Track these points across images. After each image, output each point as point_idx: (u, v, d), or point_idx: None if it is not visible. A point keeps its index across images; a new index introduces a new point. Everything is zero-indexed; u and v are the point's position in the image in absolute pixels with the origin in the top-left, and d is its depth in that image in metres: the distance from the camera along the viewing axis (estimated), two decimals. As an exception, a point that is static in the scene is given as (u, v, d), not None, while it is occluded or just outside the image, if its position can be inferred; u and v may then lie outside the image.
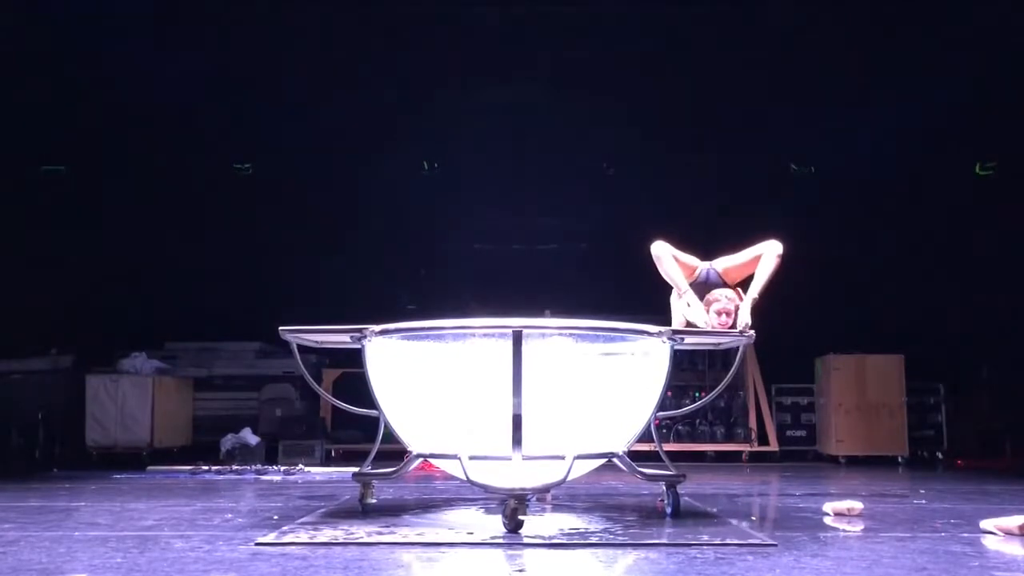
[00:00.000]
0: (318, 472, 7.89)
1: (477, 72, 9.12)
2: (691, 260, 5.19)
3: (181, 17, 8.38)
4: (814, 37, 8.58)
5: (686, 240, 5.32)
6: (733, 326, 4.90)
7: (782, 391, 10.16)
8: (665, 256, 5.07)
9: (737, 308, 4.96)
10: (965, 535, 3.90)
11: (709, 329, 4.93)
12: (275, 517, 4.45)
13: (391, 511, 4.62)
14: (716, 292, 5.03)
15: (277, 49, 8.81)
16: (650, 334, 4.36)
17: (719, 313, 4.95)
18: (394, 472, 4.43)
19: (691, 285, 5.09)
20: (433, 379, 4.39)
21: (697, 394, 9.54)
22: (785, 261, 4.97)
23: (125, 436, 9.09)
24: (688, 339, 4.69)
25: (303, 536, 3.74)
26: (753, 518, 4.66)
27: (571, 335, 4.38)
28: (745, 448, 9.72)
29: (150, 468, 8.30)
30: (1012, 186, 9.84)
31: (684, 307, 5.07)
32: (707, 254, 5.23)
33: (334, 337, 4.63)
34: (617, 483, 6.36)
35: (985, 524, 3.98)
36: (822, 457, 9.83)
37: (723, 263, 5.20)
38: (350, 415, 5.22)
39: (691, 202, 10.04)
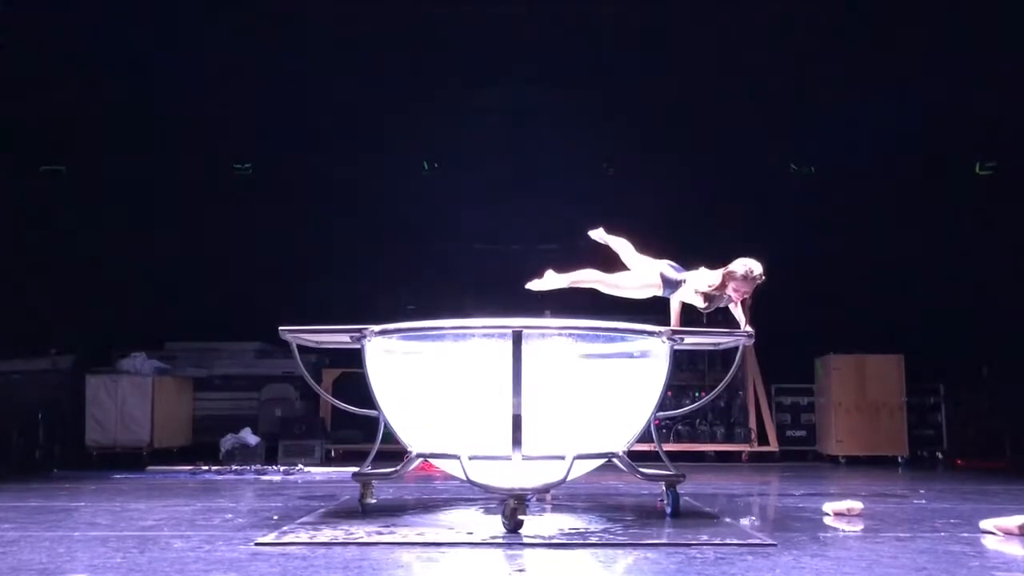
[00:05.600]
0: (318, 472, 7.89)
1: (477, 72, 9.12)
2: (640, 278, 5.11)
3: (181, 17, 8.38)
4: (814, 37, 8.58)
5: (686, 240, 5.31)
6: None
7: (782, 391, 10.15)
8: (606, 280, 5.07)
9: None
10: (965, 535, 3.90)
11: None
12: (275, 517, 4.45)
13: (391, 511, 4.62)
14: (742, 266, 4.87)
15: (277, 49, 8.81)
16: (650, 334, 4.36)
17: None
18: (394, 472, 4.43)
19: (667, 288, 5.04)
20: (433, 379, 4.39)
21: (697, 394, 9.52)
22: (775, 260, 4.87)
23: (125, 436, 9.08)
24: (688, 339, 4.68)
25: (303, 536, 3.74)
26: (753, 518, 4.65)
27: (571, 335, 4.38)
28: (745, 448, 9.70)
29: (150, 468, 8.31)
30: (1012, 186, 9.83)
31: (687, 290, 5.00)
32: (707, 253, 5.19)
33: (334, 337, 4.63)
34: (617, 483, 6.35)
35: (985, 524, 3.99)
36: (822, 457, 9.82)
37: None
38: (350, 415, 5.22)
39: (691, 201, 10.04)
